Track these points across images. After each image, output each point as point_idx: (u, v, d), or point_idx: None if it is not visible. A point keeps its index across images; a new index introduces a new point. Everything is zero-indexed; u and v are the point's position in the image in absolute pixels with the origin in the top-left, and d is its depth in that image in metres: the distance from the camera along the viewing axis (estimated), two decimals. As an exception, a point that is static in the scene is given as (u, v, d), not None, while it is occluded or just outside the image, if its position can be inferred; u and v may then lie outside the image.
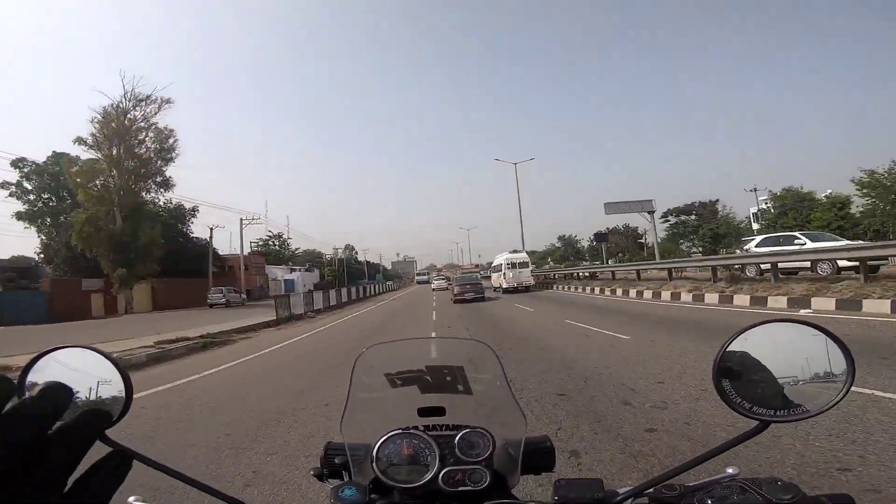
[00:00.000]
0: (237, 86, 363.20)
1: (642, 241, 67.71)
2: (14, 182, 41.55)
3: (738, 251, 14.83)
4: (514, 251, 31.14)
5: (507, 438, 0.88)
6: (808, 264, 13.26)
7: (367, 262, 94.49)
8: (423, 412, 0.89)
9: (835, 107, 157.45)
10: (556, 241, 79.40)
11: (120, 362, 0.62)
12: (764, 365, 0.64)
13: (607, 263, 42.54)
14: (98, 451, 0.37)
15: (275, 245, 70.12)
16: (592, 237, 65.25)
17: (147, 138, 35.17)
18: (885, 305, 8.64)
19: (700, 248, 50.23)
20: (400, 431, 0.86)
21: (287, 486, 3.18)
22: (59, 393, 0.33)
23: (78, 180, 32.61)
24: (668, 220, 55.98)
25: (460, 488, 0.80)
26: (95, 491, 0.33)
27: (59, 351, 0.60)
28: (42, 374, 0.58)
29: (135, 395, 0.63)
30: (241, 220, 40.02)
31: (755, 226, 51.73)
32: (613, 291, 18.47)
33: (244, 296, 37.48)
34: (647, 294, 15.85)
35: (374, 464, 0.83)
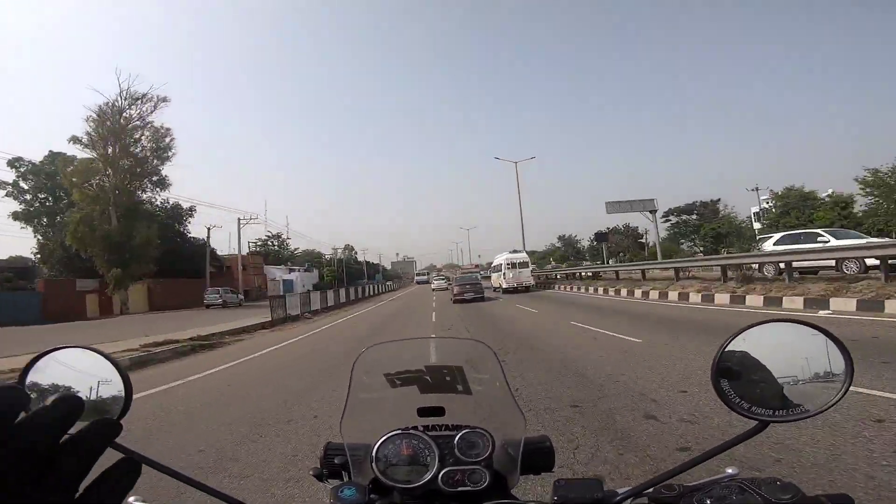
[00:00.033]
0: (237, 86, 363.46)
1: (643, 240, 67.36)
2: (10, 182, 40.97)
3: (757, 249, 14.20)
4: (514, 251, 30.83)
5: (506, 438, 0.88)
6: (832, 263, 12.63)
7: (367, 263, 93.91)
8: (423, 412, 0.89)
9: (835, 106, 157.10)
10: (556, 240, 78.88)
11: (120, 363, 0.61)
12: (763, 365, 0.64)
13: (608, 263, 42.11)
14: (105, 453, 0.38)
15: (274, 245, 69.57)
16: (593, 237, 64.72)
17: (143, 137, 34.65)
18: (910, 306, 8.13)
19: (701, 248, 49.68)
20: (399, 431, 0.86)
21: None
22: (71, 402, 0.34)
23: (73, 180, 32.11)
24: (669, 220, 55.48)
25: (460, 488, 0.80)
26: (105, 497, 0.34)
27: (59, 351, 0.60)
28: (42, 375, 0.58)
29: None
30: (239, 219, 39.57)
31: (756, 225, 51.25)
32: (618, 292, 17.93)
33: (241, 296, 36.91)
34: (654, 294, 15.31)
35: (373, 464, 0.83)
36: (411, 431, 0.87)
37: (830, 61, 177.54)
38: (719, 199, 53.29)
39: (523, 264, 27.43)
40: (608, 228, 66.65)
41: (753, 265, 13.48)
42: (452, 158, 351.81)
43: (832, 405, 0.63)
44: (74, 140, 33.90)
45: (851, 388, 0.63)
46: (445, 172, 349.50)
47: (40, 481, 0.31)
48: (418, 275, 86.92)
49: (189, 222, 43.53)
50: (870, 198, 38.54)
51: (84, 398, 0.58)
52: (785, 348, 0.65)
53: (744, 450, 2.83)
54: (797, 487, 0.62)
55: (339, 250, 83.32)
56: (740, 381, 0.65)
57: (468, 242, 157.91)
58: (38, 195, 43.46)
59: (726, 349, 0.66)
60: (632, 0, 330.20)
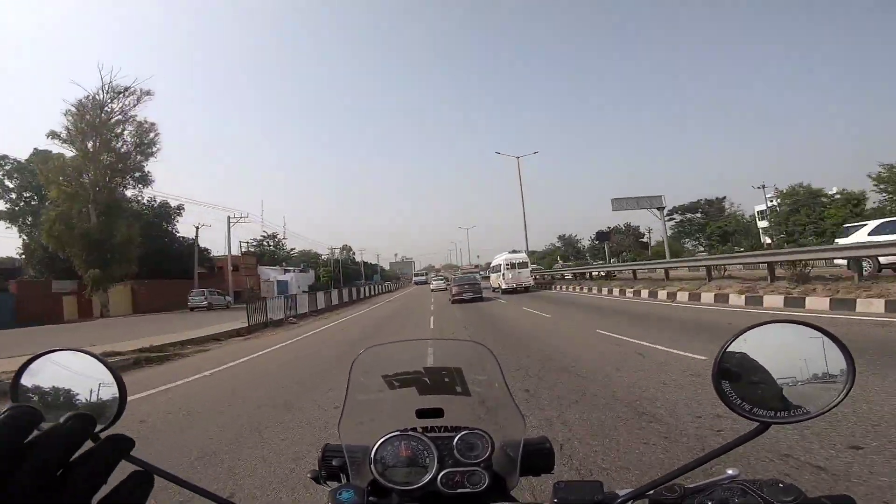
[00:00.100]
0: (235, 85, 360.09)
1: (644, 239, 65.59)
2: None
3: (838, 241, 12.11)
4: (513, 251, 29.77)
5: (505, 440, 0.87)
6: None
7: (364, 263, 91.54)
8: (422, 414, 0.88)
9: (835, 106, 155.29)
10: (555, 240, 76.84)
11: (113, 365, 0.61)
12: (763, 366, 0.63)
13: (609, 262, 40.30)
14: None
15: (269, 245, 67.42)
16: (594, 236, 62.82)
17: (125, 132, 32.49)
18: None
19: (706, 247, 47.77)
20: (398, 433, 0.85)
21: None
22: (83, 419, 0.35)
23: (50, 176, 29.98)
24: (674, 218, 53.52)
25: (459, 490, 0.79)
26: None
27: (53, 353, 0.59)
28: (36, 377, 0.58)
29: None
30: (229, 218, 37.41)
31: (762, 223, 49.43)
32: (637, 293, 15.85)
33: (230, 298, 34.73)
34: (682, 296, 13.22)
35: (372, 466, 0.81)
36: (410, 433, 0.85)
37: (831, 61, 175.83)
38: (724, 197, 51.43)
39: (523, 264, 26.59)
40: (609, 228, 65.03)
41: (810, 262, 11.37)
42: (452, 158, 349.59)
43: (833, 406, 0.61)
44: (53, 135, 31.68)
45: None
46: (445, 172, 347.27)
47: (53, 498, 0.31)
48: (416, 275, 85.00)
49: (177, 221, 41.34)
50: (884, 194, 36.90)
51: (83, 400, 0.58)
52: (785, 349, 0.63)
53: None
54: (799, 489, 0.60)
55: (337, 250, 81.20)
56: (741, 382, 0.64)
57: (467, 242, 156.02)
58: (24, 194, 41.45)
59: (727, 350, 0.65)
60: (631, 0, 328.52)
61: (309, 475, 0.92)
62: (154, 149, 33.47)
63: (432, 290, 36.93)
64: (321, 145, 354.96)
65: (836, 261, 12.60)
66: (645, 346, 7.00)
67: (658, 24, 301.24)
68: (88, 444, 0.36)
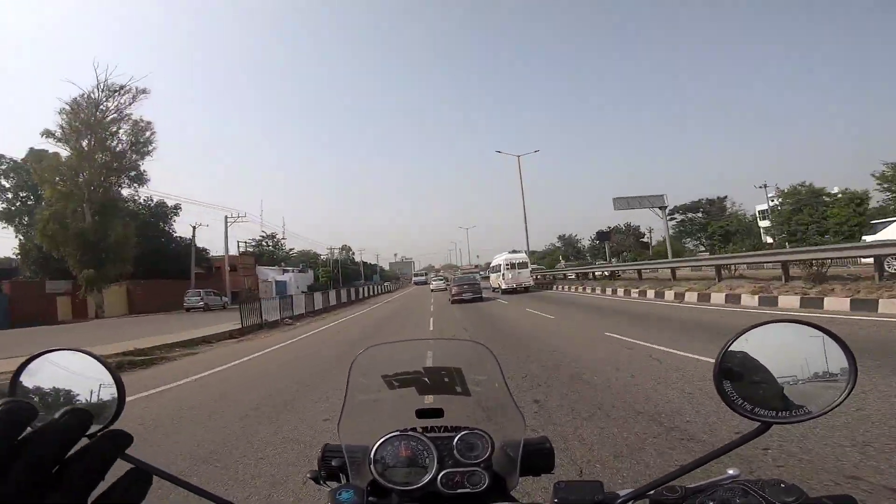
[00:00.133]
0: (235, 85, 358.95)
1: (645, 239, 65.15)
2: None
3: (866, 238, 11.62)
4: (513, 251, 29.35)
5: (505, 440, 0.86)
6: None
7: (364, 263, 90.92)
8: (421, 414, 0.87)
9: (835, 105, 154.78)
10: (555, 240, 76.33)
11: (112, 365, 0.60)
12: (764, 366, 0.63)
13: (609, 262, 39.86)
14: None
15: (268, 246, 66.89)
16: (594, 236, 62.36)
17: (120, 130, 31.98)
18: None
19: (708, 247, 47.28)
20: (398, 433, 0.84)
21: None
22: (79, 415, 0.33)
23: (44, 175, 29.48)
24: (675, 218, 53.00)
25: (459, 490, 0.78)
26: None
27: (51, 353, 0.59)
28: (34, 377, 0.57)
29: None
30: (226, 217, 36.88)
31: (764, 223, 48.95)
32: (643, 293, 15.33)
33: (226, 299, 34.19)
34: (691, 296, 12.68)
35: (371, 466, 0.81)
36: (410, 433, 0.85)
37: (830, 61, 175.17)
38: (726, 197, 50.89)
39: (522, 264, 26.23)
40: (609, 227, 64.58)
41: (828, 261, 10.86)
42: (452, 158, 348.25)
43: (835, 406, 0.61)
44: (47, 134, 31.16)
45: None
46: (445, 172, 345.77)
47: (48, 495, 0.30)
48: (416, 275, 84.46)
49: (174, 221, 40.79)
50: (888, 193, 36.49)
51: (84, 400, 0.57)
52: (787, 349, 0.63)
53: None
54: (801, 489, 0.59)
55: (337, 251, 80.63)
56: (742, 382, 0.63)
57: (467, 242, 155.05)
58: (20, 193, 40.98)
59: (728, 350, 0.64)
60: (631, 1, 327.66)
61: (308, 475, 0.91)
62: (150, 147, 33.04)
63: (432, 291, 36.66)
64: (321, 145, 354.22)
65: (861, 259, 12.10)
66: (659, 351, 6.50)
67: (658, 23, 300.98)
68: (84, 441, 0.35)
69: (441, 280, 43.20)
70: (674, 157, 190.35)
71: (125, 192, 35.39)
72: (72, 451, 0.32)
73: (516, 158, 37.04)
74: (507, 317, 13.53)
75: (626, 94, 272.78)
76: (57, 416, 0.32)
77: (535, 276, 34.77)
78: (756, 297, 10.68)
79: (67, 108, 30.48)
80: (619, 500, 0.69)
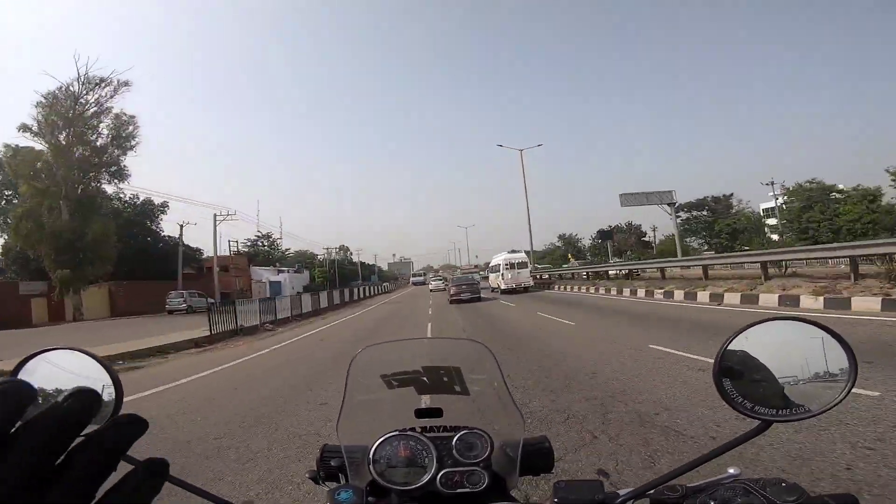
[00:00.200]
0: (235, 86, 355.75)
1: (647, 238, 63.50)
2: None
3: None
4: (513, 251, 27.88)
5: (505, 439, 0.85)
6: None
7: (362, 264, 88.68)
8: (421, 413, 0.86)
9: (834, 105, 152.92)
10: (556, 239, 74.38)
11: (110, 364, 0.58)
12: (764, 364, 0.62)
13: (611, 261, 38.06)
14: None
15: (264, 245, 64.82)
16: (595, 235, 60.56)
17: (101, 124, 29.95)
18: None
19: (714, 245, 45.42)
20: (397, 433, 0.83)
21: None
22: (88, 397, 0.29)
23: (18, 170, 27.49)
24: (679, 216, 51.14)
25: (458, 490, 0.77)
26: (129, 500, 0.29)
27: (48, 353, 0.58)
28: (31, 377, 0.56)
29: None
30: (215, 215, 34.73)
31: (771, 221, 47.11)
32: (669, 294, 13.34)
33: (213, 300, 32.15)
34: (731, 298, 10.70)
35: (370, 466, 0.79)
36: (409, 433, 0.83)
37: (831, 60, 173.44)
38: (732, 194, 48.99)
39: (522, 264, 25.56)
40: (610, 226, 62.85)
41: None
42: (451, 159, 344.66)
43: (835, 405, 0.59)
44: (24, 128, 29.12)
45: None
46: (444, 173, 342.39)
47: (53, 484, 0.26)
48: (414, 276, 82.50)
49: (161, 219, 38.71)
50: (901, 190, 34.79)
51: None
52: (787, 347, 0.62)
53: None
54: (802, 488, 0.59)
55: (334, 250, 78.55)
56: (742, 380, 0.62)
57: (467, 242, 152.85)
58: (4, 192, 38.98)
59: (728, 348, 0.63)
60: (627, 4, 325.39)
61: (307, 475, 0.89)
62: (133, 142, 30.97)
63: (431, 291, 35.57)
64: (320, 145, 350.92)
65: None
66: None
67: (657, 24, 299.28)
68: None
69: (440, 280, 42.68)
70: (676, 155, 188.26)
71: (109, 189, 33.35)
72: (80, 437, 0.28)
73: (518, 153, 35.06)
74: (516, 323, 11.57)
75: (625, 93, 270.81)
76: (61, 399, 0.28)
77: (539, 276, 33.14)
78: (820, 298, 8.75)
79: (43, 101, 28.51)
80: (620, 499, 0.68)
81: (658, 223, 62.77)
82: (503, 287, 25.01)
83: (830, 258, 11.33)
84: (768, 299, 9.81)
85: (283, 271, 55.56)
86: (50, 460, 0.27)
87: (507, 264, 25.44)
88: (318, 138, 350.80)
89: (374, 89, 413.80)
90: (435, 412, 0.86)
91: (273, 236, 64.09)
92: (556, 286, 27.61)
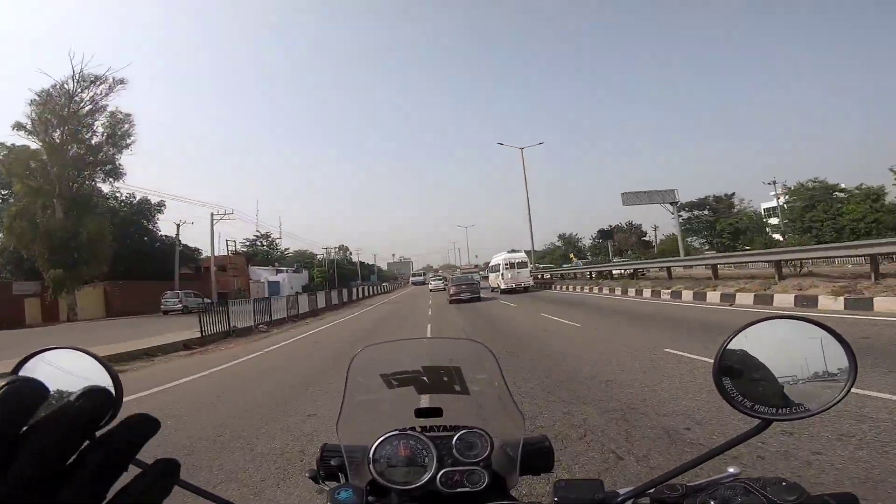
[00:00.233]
0: (233, 85, 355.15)
1: (647, 238, 63.07)
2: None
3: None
4: (512, 251, 27.55)
5: (505, 439, 0.85)
6: None
7: (361, 263, 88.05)
8: (421, 413, 0.85)
9: (833, 104, 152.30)
10: (555, 239, 73.88)
11: (109, 364, 0.58)
12: (763, 363, 0.62)
13: (613, 261, 37.58)
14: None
15: (263, 245, 64.29)
16: (595, 235, 60.10)
17: (96, 123, 29.45)
18: None
19: (715, 245, 44.95)
20: (397, 433, 0.82)
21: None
22: (100, 396, 0.29)
23: (11, 168, 27.01)
24: (680, 216, 50.69)
25: (458, 489, 0.77)
26: (140, 501, 0.28)
27: (48, 352, 0.58)
28: (31, 376, 0.53)
29: None
30: (212, 214, 34.25)
31: (773, 220, 46.64)
32: (677, 294, 12.82)
33: (209, 300, 31.65)
34: (744, 298, 10.22)
35: (370, 465, 0.79)
36: (409, 432, 0.83)
37: (830, 59, 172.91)
38: (734, 194, 48.48)
39: (522, 264, 25.22)
40: (610, 226, 62.43)
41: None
42: (451, 159, 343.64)
43: (834, 404, 0.59)
44: (18, 126, 28.62)
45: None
46: (444, 173, 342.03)
47: (64, 484, 0.26)
48: (414, 276, 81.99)
49: (158, 219, 38.19)
50: (907, 188, 34.38)
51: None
52: (787, 346, 0.62)
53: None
54: (802, 488, 0.59)
55: (334, 250, 77.94)
56: (742, 379, 0.62)
57: (466, 242, 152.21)
58: (1, 192, 38.52)
59: (727, 347, 0.63)
60: (626, 2, 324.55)
61: (307, 475, 0.89)
62: (129, 140, 30.41)
63: (431, 291, 35.23)
64: (319, 145, 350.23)
65: None
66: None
67: (656, 25, 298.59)
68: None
69: (440, 280, 42.41)
70: (676, 155, 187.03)
71: (105, 188, 32.86)
72: (95, 436, 0.28)
73: (519, 152, 34.53)
74: (518, 324, 11.09)
75: (624, 93, 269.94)
76: (73, 398, 0.28)
77: (540, 276, 32.72)
78: (839, 299, 8.26)
79: (37, 98, 28.02)
80: (620, 499, 0.67)
81: (659, 223, 62.39)
82: (503, 287, 24.73)
83: (849, 256, 10.81)
84: (784, 300, 9.33)
85: (281, 271, 55.06)
86: (61, 460, 0.26)
87: (506, 264, 25.17)
88: (319, 138, 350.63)
89: (375, 89, 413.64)
90: (435, 412, 0.85)
91: (272, 236, 63.55)
92: (556, 286, 27.14)
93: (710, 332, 7.35)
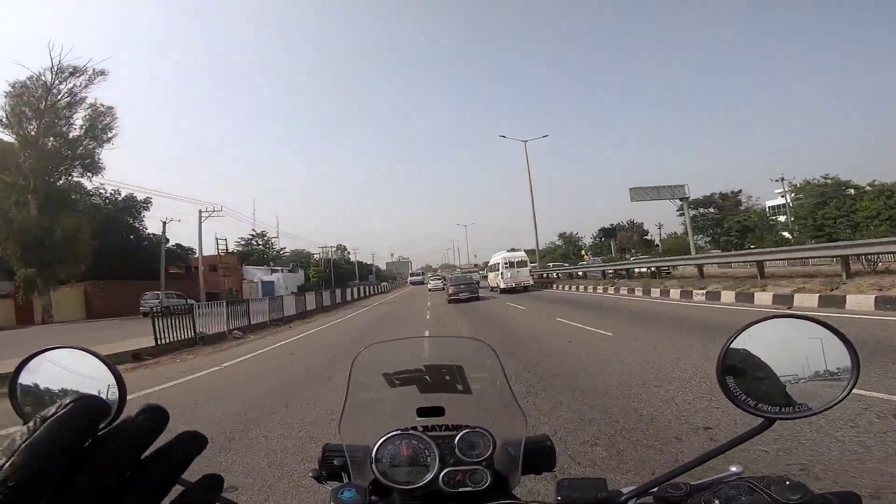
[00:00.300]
0: (232, 85, 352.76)
1: (649, 237, 61.55)
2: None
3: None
4: (512, 249, 26.42)
5: (507, 438, 0.84)
6: None
7: (359, 263, 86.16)
8: (423, 412, 0.85)
9: (833, 103, 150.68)
10: (556, 238, 72.21)
11: (112, 363, 0.58)
12: (766, 363, 0.62)
13: (638, 258, 35.80)
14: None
15: (258, 244, 62.37)
16: (598, 233, 58.44)
17: (74, 115, 27.59)
18: None
19: (723, 243, 43.25)
20: (399, 432, 0.82)
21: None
22: (158, 415, 0.30)
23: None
24: (684, 214, 49.04)
25: (461, 489, 0.76)
26: None
27: (50, 352, 0.58)
28: (34, 376, 0.57)
29: None
30: (200, 211, 32.32)
31: (780, 218, 45.02)
32: (714, 295, 10.98)
33: (192, 301, 29.80)
34: (804, 300, 8.35)
35: (373, 465, 0.79)
36: (411, 432, 0.82)
37: (833, 57, 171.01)
38: (740, 191, 46.81)
39: (522, 263, 24.47)
40: (612, 224, 60.94)
41: None
42: (451, 158, 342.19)
43: (837, 403, 0.59)
44: (-8, 119, 26.81)
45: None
46: (444, 173, 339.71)
47: (122, 497, 0.28)
48: (412, 275, 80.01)
49: (144, 216, 36.26)
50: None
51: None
52: (788, 345, 0.61)
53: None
54: (806, 487, 0.58)
55: (332, 249, 75.97)
56: (745, 377, 0.62)
57: (466, 242, 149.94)
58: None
59: (730, 346, 0.63)
60: (624, 7, 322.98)
61: (310, 475, 0.87)
62: (110, 134, 28.59)
63: (430, 290, 34.10)
64: (319, 145, 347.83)
65: None
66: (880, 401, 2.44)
67: (655, 25, 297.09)
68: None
69: (438, 280, 41.29)
70: (675, 154, 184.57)
71: (88, 185, 31.02)
72: (148, 452, 0.30)
73: (522, 146, 32.74)
74: (533, 332, 9.25)
75: (625, 92, 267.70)
76: (134, 414, 0.30)
77: (544, 274, 31.04)
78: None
79: (12, 91, 26.20)
80: (623, 498, 0.67)
81: (663, 221, 60.78)
82: (502, 286, 23.95)
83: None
84: (858, 302, 7.53)
85: (276, 271, 53.17)
86: (120, 475, 0.28)
87: (506, 263, 24.43)
88: (319, 138, 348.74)
89: (375, 88, 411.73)
90: (437, 411, 0.84)
91: (268, 235, 61.63)
92: (557, 285, 25.70)
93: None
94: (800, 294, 8.64)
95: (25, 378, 0.56)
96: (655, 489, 0.66)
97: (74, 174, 28.18)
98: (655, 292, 13.38)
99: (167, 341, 10.30)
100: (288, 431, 3.92)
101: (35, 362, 0.56)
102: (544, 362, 5.92)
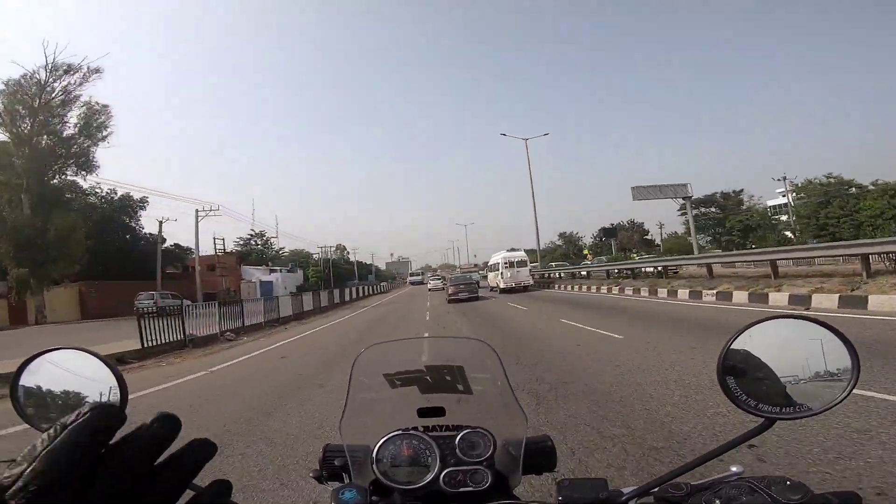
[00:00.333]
0: (232, 85, 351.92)
1: (649, 237, 61.16)
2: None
3: None
4: (512, 249, 26.22)
5: (508, 438, 0.83)
6: None
7: (359, 263, 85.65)
8: (423, 412, 0.84)
9: (832, 102, 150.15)
10: (556, 238, 71.77)
11: (113, 364, 0.58)
12: (766, 363, 0.62)
13: (644, 257, 35.37)
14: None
15: (257, 244, 61.87)
16: (598, 233, 58.03)
17: (69, 113, 27.11)
18: None
19: (725, 243, 42.82)
20: (400, 432, 0.81)
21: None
22: (170, 422, 0.31)
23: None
24: (685, 213, 48.62)
25: (461, 489, 0.76)
26: None
27: (51, 353, 0.57)
28: (35, 377, 0.57)
29: None
30: (197, 210, 31.88)
31: (782, 217, 44.63)
32: (726, 295, 10.54)
33: (188, 301, 29.32)
34: (823, 300, 7.91)
35: (374, 465, 0.78)
36: (412, 432, 0.82)
37: (834, 56, 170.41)
38: (742, 190, 46.36)
39: (521, 263, 24.31)
40: (612, 224, 60.55)
41: None
42: (450, 158, 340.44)
43: (837, 403, 0.59)
44: (-14, 116, 26.33)
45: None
46: (443, 173, 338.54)
47: (138, 502, 0.29)
48: (412, 275, 79.56)
49: (140, 216, 35.78)
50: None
51: (93, 400, 0.55)
52: (789, 345, 0.61)
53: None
54: (806, 487, 0.58)
55: (331, 249, 75.48)
56: (745, 378, 0.62)
57: (466, 241, 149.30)
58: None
59: (731, 347, 0.63)
60: (623, 7, 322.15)
61: (311, 475, 0.87)
62: (105, 132, 28.08)
63: (430, 290, 33.92)
64: (318, 145, 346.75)
65: None
66: None
67: (654, 25, 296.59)
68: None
69: (438, 279, 41.16)
70: (675, 154, 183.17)
71: (84, 184, 30.54)
72: (161, 459, 0.31)
73: (523, 145, 32.29)
74: (537, 335, 8.79)
75: (625, 91, 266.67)
76: (149, 421, 0.31)
77: (545, 274, 30.60)
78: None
79: (5, 88, 25.74)
80: (624, 498, 0.67)
81: (664, 221, 60.36)
82: (502, 286, 23.75)
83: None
84: (881, 302, 7.07)
85: (275, 271, 52.69)
86: (135, 481, 0.29)
87: (506, 263, 24.22)
88: (319, 138, 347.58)
89: (375, 88, 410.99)
90: (438, 411, 0.84)
91: (267, 235, 61.14)
92: (557, 285, 25.31)
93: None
94: (818, 294, 8.16)
95: (27, 380, 0.55)
96: (656, 489, 0.65)
97: (68, 173, 27.72)
98: (662, 292, 12.91)
99: (154, 343, 9.81)
100: (267, 449, 3.47)
101: (36, 363, 0.55)
102: (552, 368, 5.47)
